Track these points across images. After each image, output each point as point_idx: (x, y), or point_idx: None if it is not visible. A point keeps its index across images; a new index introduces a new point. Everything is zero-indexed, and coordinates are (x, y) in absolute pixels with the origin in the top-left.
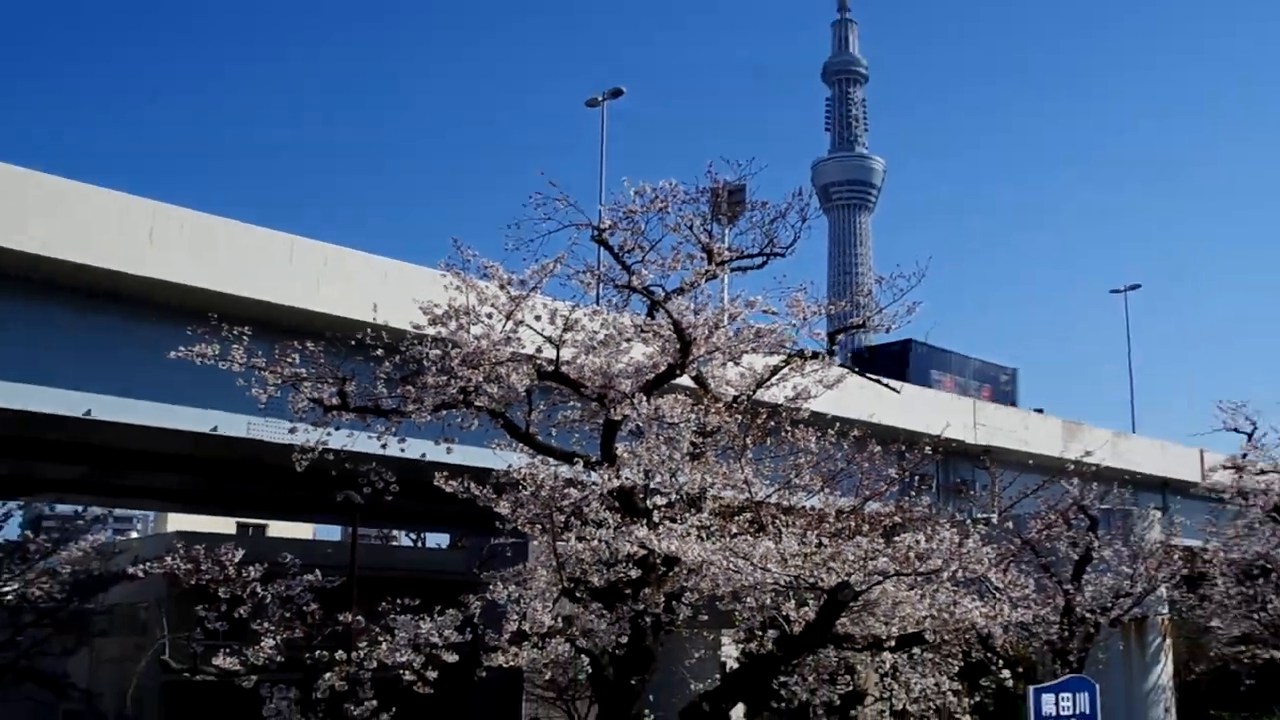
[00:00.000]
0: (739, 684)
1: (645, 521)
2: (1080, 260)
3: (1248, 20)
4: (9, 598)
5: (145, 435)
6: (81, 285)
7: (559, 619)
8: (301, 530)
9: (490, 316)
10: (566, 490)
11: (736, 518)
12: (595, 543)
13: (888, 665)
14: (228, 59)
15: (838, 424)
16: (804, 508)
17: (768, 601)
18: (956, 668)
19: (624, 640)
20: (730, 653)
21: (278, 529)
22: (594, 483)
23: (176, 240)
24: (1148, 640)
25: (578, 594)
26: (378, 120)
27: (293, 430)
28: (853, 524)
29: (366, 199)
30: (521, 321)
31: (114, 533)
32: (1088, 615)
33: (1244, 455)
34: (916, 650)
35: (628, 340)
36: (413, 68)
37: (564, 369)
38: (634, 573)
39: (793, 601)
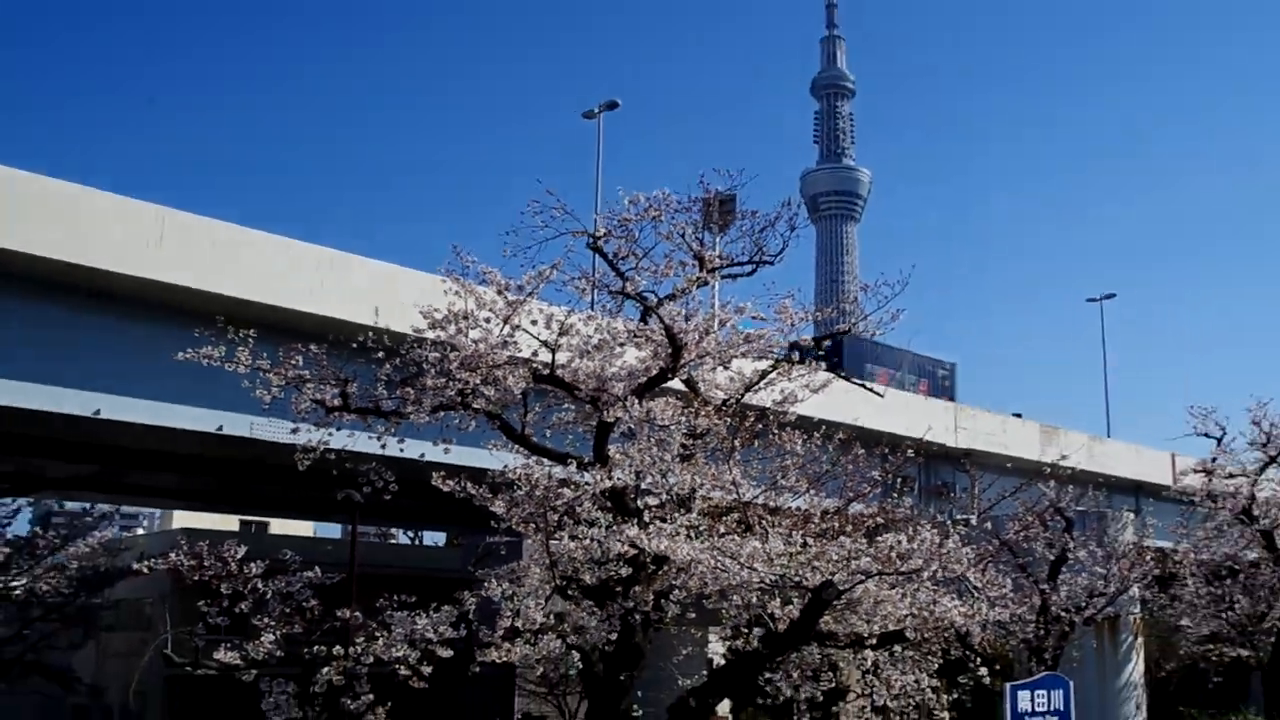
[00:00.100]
0: (725, 680)
1: (636, 521)
2: (1059, 268)
3: (1243, 29)
4: (18, 593)
5: (152, 435)
6: (91, 288)
7: (551, 616)
8: (302, 528)
9: (488, 321)
10: (560, 490)
11: (725, 518)
12: (587, 541)
13: (869, 662)
14: (239, 76)
15: (823, 427)
16: (790, 508)
17: (754, 600)
18: (936, 665)
19: (614, 637)
20: (717, 650)
21: (279, 526)
22: (587, 483)
23: (184, 245)
24: (1120, 639)
25: (570, 591)
26: (384, 135)
27: (295, 430)
28: (837, 524)
29: (373, 213)
30: (518, 326)
31: (120, 529)
32: (1063, 614)
33: (1214, 459)
34: (897, 648)
35: (621, 345)
36: (416, 84)
37: (559, 372)
38: (625, 571)
39: (778, 600)
